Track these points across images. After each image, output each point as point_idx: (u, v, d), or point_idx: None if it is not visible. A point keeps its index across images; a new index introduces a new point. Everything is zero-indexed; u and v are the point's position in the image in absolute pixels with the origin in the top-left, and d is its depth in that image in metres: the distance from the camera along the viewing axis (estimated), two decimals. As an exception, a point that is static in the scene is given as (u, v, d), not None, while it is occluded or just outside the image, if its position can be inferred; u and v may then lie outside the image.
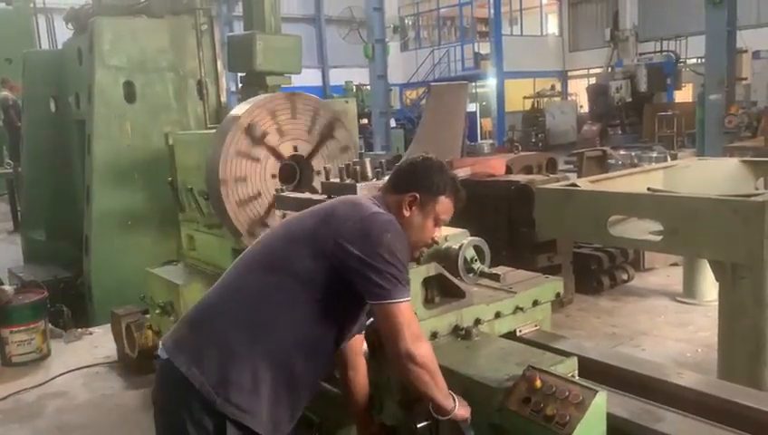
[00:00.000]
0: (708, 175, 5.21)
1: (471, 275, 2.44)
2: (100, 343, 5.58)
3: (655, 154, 10.37)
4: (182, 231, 4.66)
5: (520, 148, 15.33)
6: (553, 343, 2.67)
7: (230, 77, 9.24)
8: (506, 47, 23.00)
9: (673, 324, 5.42)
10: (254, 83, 5.17)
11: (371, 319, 2.28)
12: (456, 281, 2.52)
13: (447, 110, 8.50)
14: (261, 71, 5.11)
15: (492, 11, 23.79)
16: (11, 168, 10.47)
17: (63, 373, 5.01)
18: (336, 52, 28.28)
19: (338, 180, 2.69)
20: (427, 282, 2.52)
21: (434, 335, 2.47)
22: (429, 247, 2.37)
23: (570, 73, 30.35)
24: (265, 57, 5.07)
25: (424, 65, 27.02)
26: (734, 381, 2.93)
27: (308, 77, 20.66)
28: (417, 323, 2.02)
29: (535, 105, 25.97)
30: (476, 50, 25.81)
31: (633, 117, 20.57)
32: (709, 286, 5.34)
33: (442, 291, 2.58)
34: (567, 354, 2.37)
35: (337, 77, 27.16)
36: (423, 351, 1.98)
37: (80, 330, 5.87)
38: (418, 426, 2.16)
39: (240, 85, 5.66)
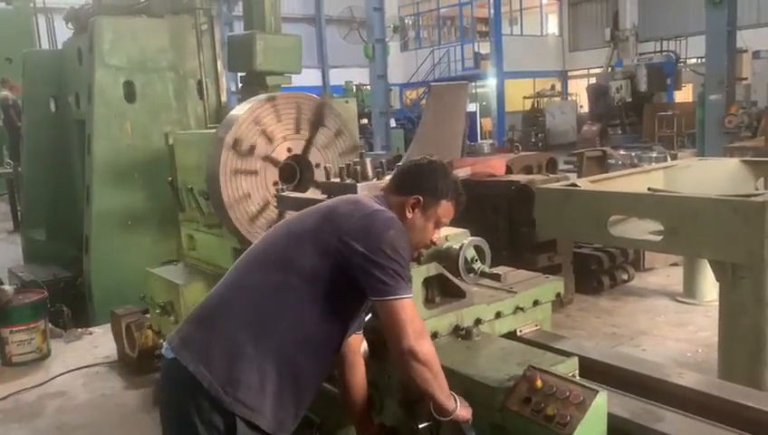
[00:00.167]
0: (708, 175, 5.21)
1: (472, 274, 2.44)
2: (100, 342, 5.58)
3: (655, 154, 10.37)
4: (182, 231, 4.66)
5: (520, 148, 15.33)
6: (554, 342, 2.67)
7: (230, 77, 9.23)
8: (506, 47, 22.99)
9: (673, 324, 5.42)
10: (254, 83, 5.17)
11: (369, 316, 2.29)
12: (456, 281, 2.52)
13: (447, 110, 8.50)
14: (261, 70, 5.10)
15: (492, 11, 23.78)
16: (11, 167, 10.49)
17: (63, 373, 5.01)
18: (336, 51, 28.27)
19: (338, 180, 2.69)
20: (428, 282, 2.53)
21: (434, 335, 2.46)
22: (428, 249, 2.38)
23: (570, 73, 30.36)
24: (265, 57, 5.07)
25: (424, 65, 27.02)
26: (734, 381, 2.93)
27: (308, 77, 20.64)
28: (419, 320, 2.03)
29: (535, 105, 25.97)
30: (476, 50, 25.81)
31: (633, 117, 20.57)
32: (709, 286, 5.34)
33: (442, 291, 2.58)
34: (568, 354, 2.37)
35: (337, 77, 27.15)
36: (426, 348, 1.98)
37: (80, 330, 5.87)
38: (420, 427, 2.16)
39: (240, 85, 5.66)
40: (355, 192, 2.48)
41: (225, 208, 3.53)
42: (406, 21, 27.68)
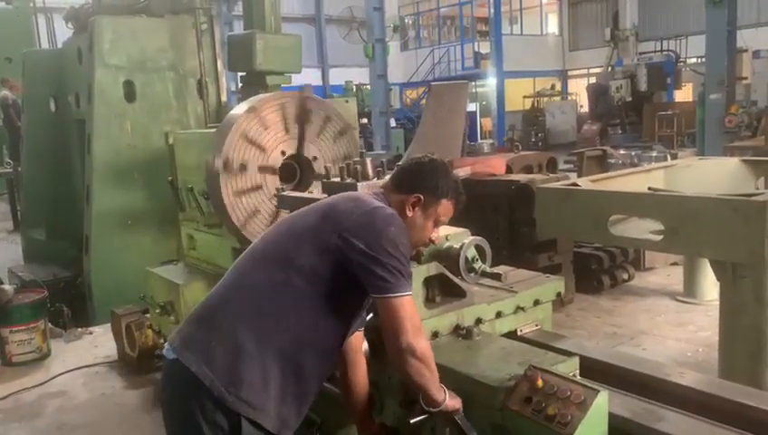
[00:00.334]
0: (709, 174, 5.21)
1: (472, 274, 2.44)
2: (100, 342, 5.58)
3: (655, 154, 10.37)
4: (182, 230, 4.66)
5: (520, 147, 15.35)
6: (555, 342, 2.67)
7: (230, 76, 9.24)
8: (506, 47, 22.98)
9: (673, 324, 5.42)
10: (254, 83, 5.17)
11: (371, 315, 2.28)
12: (457, 280, 2.51)
13: (447, 109, 8.49)
14: (261, 70, 5.11)
15: (492, 10, 23.77)
16: (11, 167, 10.49)
17: (63, 373, 5.01)
18: (336, 51, 28.28)
19: (338, 179, 2.68)
20: (428, 281, 2.52)
21: (435, 335, 2.46)
22: (426, 247, 2.38)
23: (570, 73, 30.35)
24: (265, 56, 5.07)
25: (424, 65, 27.01)
26: (734, 380, 2.93)
27: (308, 77, 20.54)
28: (418, 318, 2.04)
29: (535, 105, 25.96)
30: (476, 49, 25.80)
31: (633, 116, 20.56)
32: (709, 286, 5.34)
33: (443, 290, 2.57)
34: (568, 354, 2.37)
35: (337, 77, 27.16)
36: (423, 345, 2.00)
37: (80, 329, 5.87)
38: (411, 422, 2.17)
39: (240, 85, 5.66)
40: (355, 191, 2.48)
41: (240, 231, 3.55)
42: (406, 20, 27.69)
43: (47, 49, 9.22)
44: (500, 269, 2.50)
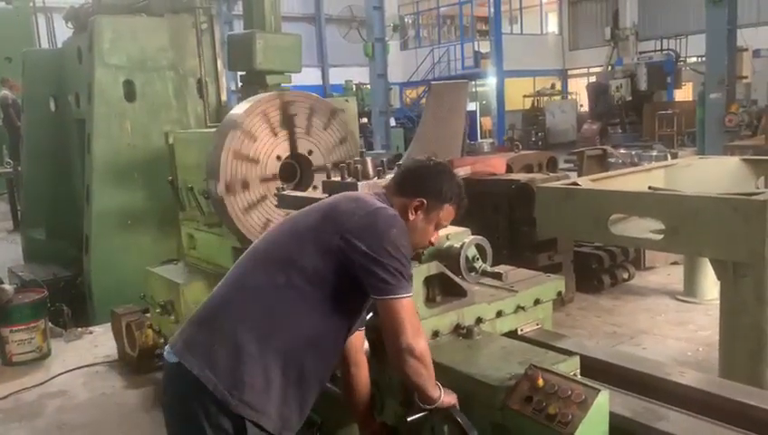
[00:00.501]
0: (709, 174, 5.21)
1: (473, 273, 2.44)
2: (100, 342, 5.58)
3: (655, 153, 10.36)
4: (182, 230, 4.66)
5: (520, 147, 15.34)
6: (555, 341, 2.66)
7: (230, 76, 9.24)
8: (506, 46, 22.97)
9: (673, 323, 5.42)
10: (254, 82, 5.16)
11: (371, 314, 2.28)
12: (457, 280, 2.51)
13: (447, 108, 8.48)
14: (261, 69, 5.09)
15: (492, 9, 23.77)
16: (11, 167, 10.49)
17: (63, 373, 5.01)
18: (336, 51, 28.27)
19: (339, 179, 2.68)
20: (429, 281, 2.52)
21: (435, 334, 2.46)
22: (425, 249, 2.38)
23: (570, 72, 30.33)
24: (265, 56, 5.06)
25: (424, 64, 27.00)
26: (735, 379, 2.93)
27: (308, 76, 20.67)
28: (417, 318, 2.05)
29: (535, 104, 25.97)
30: (476, 48, 25.79)
31: (633, 116, 20.56)
32: (710, 285, 5.34)
33: (443, 290, 2.57)
34: (569, 353, 2.36)
35: (337, 76, 27.15)
36: (422, 344, 2.01)
37: (80, 329, 5.87)
38: (408, 419, 2.17)
39: (240, 84, 5.65)
40: (356, 191, 2.48)
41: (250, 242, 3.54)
42: (406, 20, 27.70)
43: (47, 49, 9.22)
44: (500, 268, 2.50)
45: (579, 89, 28.03)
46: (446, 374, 2.17)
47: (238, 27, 19.73)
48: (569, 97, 28.20)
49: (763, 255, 3.20)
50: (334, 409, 2.54)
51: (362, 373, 2.39)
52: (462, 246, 2.41)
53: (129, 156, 6.12)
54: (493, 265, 2.50)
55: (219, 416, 1.87)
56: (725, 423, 2.13)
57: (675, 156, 8.58)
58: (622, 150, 11.17)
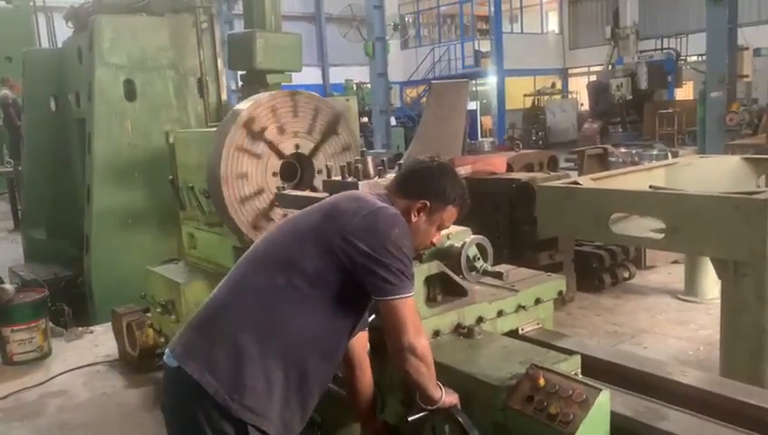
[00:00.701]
0: (710, 173, 5.21)
1: (473, 273, 2.44)
2: (100, 341, 5.58)
3: (656, 152, 10.37)
4: (183, 229, 4.65)
5: (521, 146, 15.31)
6: (556, 341, 2.66)
7: (230, 75, 9.22)
8: (507, 45, 22.99)
9: (674, 322, 5.42)
10: (254, 81, 5.16)
11: (373, 316, 2.28)
12: (458, 279, 2.51)
13: (448, 108, 8.48)
14: (261, 69, 5.10)
15: (492, 8, 23.79)
16: (11, 166, 10.49)
17: (64, 372, 5.00)
18: (336, 50, 28.26)
19: (340, 178, 2.68)
20: (430, 280, 2.51)
21: (436, 334, 2.46)
22: (427, 250, 2.38)
23: (570, 71, 30.32)
24: (266, 55, 5.06)
25: (424, 63, 27.00)
26: (736, 378, 2.92)
27: (308, 75, 20.65)
28: (418, 317, 2.05)
29: (536, 103, 25.95)
30: (477, 48, 25.80)
31: (634, 115, 20.57)
32: (711, 284, 5.34)
33: (444, 289, 2.57)
34: (570, 353, 2.36)
35: (337, 75, 27.16)
36: (424, 343, 2.01)
37: (80, 328, 5.87)
38: (410, 419, 2.17)
39: (240, 84, 5.65)
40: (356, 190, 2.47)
41: (220, 182, 3.52)
42: (406, 19, 27.67)
43: (47, 48, 9.21)
44: (501, 268, 2.50)
45: (579, 88, 28.01)
46: (446, 374, 2.17)
47: (238, 26, 19.72)
48: (569, 96, 28.19)
49: (764, 254, 3.19)
50: (335, 408, 2.54)
51: (366, 374, 2.38)
52: (463, 246, 2.41)
53: (129, 155, 6.12)
54: (493, 264, 2.50)
55: (221, 421, 1.86)
56: (727, 423, 2.12)
57: (675, 155, 8.58)
58: (623, 149, 11.18)
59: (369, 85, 19.74)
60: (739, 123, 12.76)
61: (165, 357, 2.01)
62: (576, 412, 1.91)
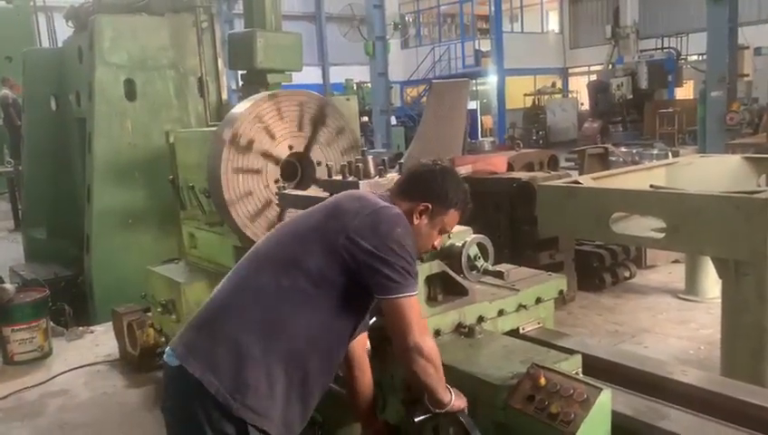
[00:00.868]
0: (710, 172, 5.21)
1: (474, 272, 2.44)
2: (101, 341, 5.58)
3: (656, 151, 10.38)
4: (183, 229, 4.65)
5: (521, 145, 15.28)
6: (557, 340, 2.66)
7: (231, 75, 9.23)
8: (507, 44, 22.99)
9: (675, 322, 5.41)
10: (254, 81, 5.17)
11: (374, 319, 2.28)
12: (459, 278, 2.51)
13: (448, 107, 8.46)
14: (261, 68, 5.10)
15: (492, 8, 23.78)
16: (11, 166, 10.49)
17: (65, 372, 5.00)
18: (336, 49, 28.24)
19: (340, 178, 2.68)
20: (431, 280, 2.52)
21: (437, 333, 2.46)
22: (428, 253, 2.37)
23: (570, 70, 30.31)
24: (266, 55, 5.06)
25: (424, 63, 27.00)
26: (737, 377, 2.92)
27: (308, 75, 20.62)
28: (422, 317, 2.05)
29: (536, 102, 25.94)
30: (477, 47, 25.81)
31: (634, 114, 20.55)
32: (711, 283, 5.33)
33: (445, 289, 2.57)
34: (571, 352, 2.36)
35: (337, 75, 27.14)
36: (430, 343, 2.00)
37: (81, 328, 5.87)
38: (416, 420, 2.17)
39: (241, 83, 5.65)
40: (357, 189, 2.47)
41: (227, 206, 3.52)
42: (406, 18, 27.65)
43: (47, 48, 9.22)
44: (502, 267, 2.51)
45: (579, 87, 28.00)
46: (448, 373, 2.16)
47: (239, 26, 19.72)
48: (570, 95, 28.18)
49: (764, 253, 3.20)
50: (336, 408, 2.54)
51: (366, 374, 2.38)
52: (464, 245, 2.42)
53: (129, 155, 6.12)
54: (494, 263, 2.49)
55: (222, 420, 1.85)
56: (728, 422, 2.13)
57: (676, 154, 8.59)
58: (623, 149, 11.19)
59: (369, 85, 19.74)
60: (739, 123, 12.76)
61: (165, 356, 2.00)
62: (577, 412, 1.91)
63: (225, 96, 6.77)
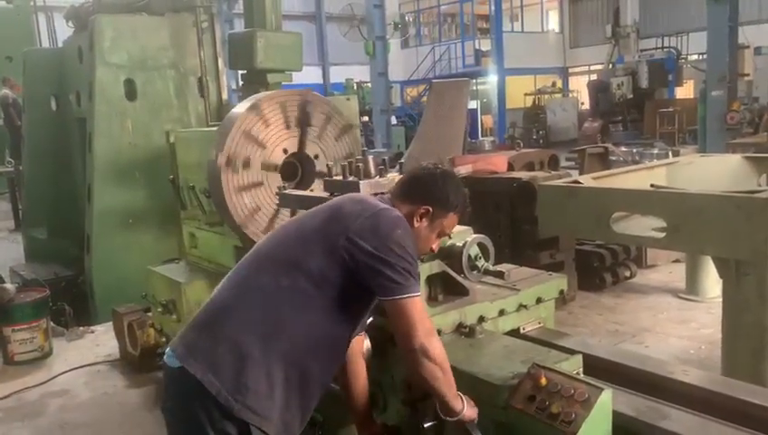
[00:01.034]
0: (711, 172, 5.21)
1: (475, 272, 2.44)
2: (101, 341, 5.58)
3: (656, 151, 10.38)
4: (183, 229, 4.65)
5: (521, 145, 15.28)
6: (558, 340, 2.66)
7: (231, 74, 9.23)
8: (507, 44, 22.98)
9: (675, 321, 5.41)
10: (254, 81, 5.16)
11: (372, 319, 2.28)
12: (459, 278, 2.51)
13: (448, 107, 8.47)
14: (262, 68, 5.10)
15: (492, 7, 23.78)
16: (12, 166, 10.49)
17: (65, 372, 5.00)
18: (337, 49, 28.25)
19: (341, 177, 2.67)
20: (431, 279, 2.52)
21: (438, 333, 2.44)
22: (426, 255, 2.38)
23: (571, 70, 30.30)
24: (266, 54, 5.06)
25: (425, 62, 27.00)
26: (738, 377, 2.91)
27: (309, 74, 20.62)
28: (428, 318, 2.03)
29: (536, 102, 25.93)
30: (477, 47, 25.80)
31: (634, 113, 20.54)
32: (712, 283, 5.33)
33: (446, 289, 2.57)
34: (572, 352, 2.36)
35: (338, 74, 27.15)
36: (437, 346, 1.99)
37: (81, 328, 5.87)
38: (425, 426, 2.15)
39: (241, 83, 5.65)
40: (358, 189, 2.47)
41: (241, 229, 3.53)
42: (406, 18, 27.69)
43: (48, 48, 9.21)
44: (502, 267, 2.51)
45: (580, 87, 27.98)
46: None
47: (239, 26, 19.71)
48: (570, 95, 28.16)
49: (765, 253, 3.20)
50: (336, 408, 2.54)
51: (361, 378, 2.38)
52: (464, 245, 2.42)
53: (130, 155, 6.12)
54: (495, 263, 2.49)
55: (223, 421, 1.86)
56: (728, 422, 2.12)
57: (676, 154, 8.58)
58: (623, 148, 11.18)
59: (369, 84, 19.73)
60: (740, 122, 12.76)
61: (166, 357, 2.00)
62: (578, 412, 1.91)
63: (225, 96, 6.77)
